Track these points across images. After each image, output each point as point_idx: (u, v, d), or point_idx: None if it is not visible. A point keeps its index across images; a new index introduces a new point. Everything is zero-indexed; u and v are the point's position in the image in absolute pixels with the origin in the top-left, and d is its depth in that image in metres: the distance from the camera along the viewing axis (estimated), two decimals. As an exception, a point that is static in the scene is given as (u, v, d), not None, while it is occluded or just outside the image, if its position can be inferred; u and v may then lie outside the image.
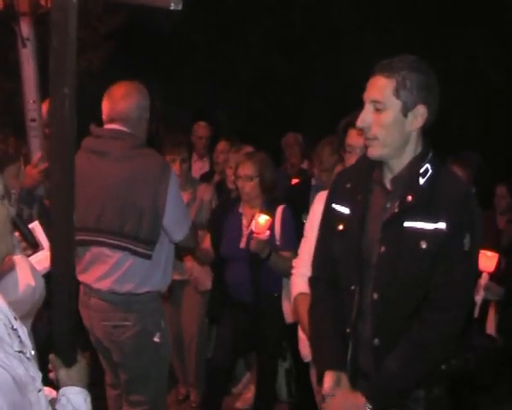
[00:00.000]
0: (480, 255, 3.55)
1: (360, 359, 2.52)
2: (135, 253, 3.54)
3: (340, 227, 2.55)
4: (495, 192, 5.88)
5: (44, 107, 4.41)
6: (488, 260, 3.76)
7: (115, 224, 3.53)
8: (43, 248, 3.05)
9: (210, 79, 11.21)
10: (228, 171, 5.30)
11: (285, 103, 11.76)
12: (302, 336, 3.34)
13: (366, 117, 2.43)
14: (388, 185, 2.49)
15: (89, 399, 1.99)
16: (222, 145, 6.35)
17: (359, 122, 2.46)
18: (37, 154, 4.34)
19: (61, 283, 2.00)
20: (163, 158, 3.95)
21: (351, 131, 3.13)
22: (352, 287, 2.49)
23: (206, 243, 4.75)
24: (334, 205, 2.62)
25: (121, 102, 3.63)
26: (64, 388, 1.99)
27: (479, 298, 3.70)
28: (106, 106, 3.69)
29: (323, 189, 4.30)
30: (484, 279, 3.74)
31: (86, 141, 3.68)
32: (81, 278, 3.65)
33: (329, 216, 2.65)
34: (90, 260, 3.65)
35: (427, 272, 2.39)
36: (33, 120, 4.33)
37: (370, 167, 2.54)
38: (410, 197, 2.39)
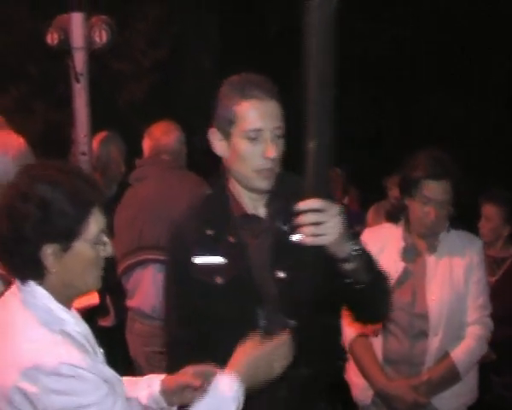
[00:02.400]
0: None
1: None
2: None
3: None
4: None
5: (95, 142, 4.57)
6: None
7: (154, 238, 3.67)
8: None
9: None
10: None
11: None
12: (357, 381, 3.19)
13: None
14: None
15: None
16: None
17: None
18: None
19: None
20: (198, 176, 4.10)
21: (428, 182, 2.96)
22: None
23: None
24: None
25: (164, 137, 3.91)
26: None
27: None
28: (148, 143, 3.96)
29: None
30: None
31: (132, 175, 3.92)
32: (128, 303, 3.78)
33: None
34: (134, 284, 3.78)
35: None
36: (84, 154, 4.43)
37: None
38: None
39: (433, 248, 3.06)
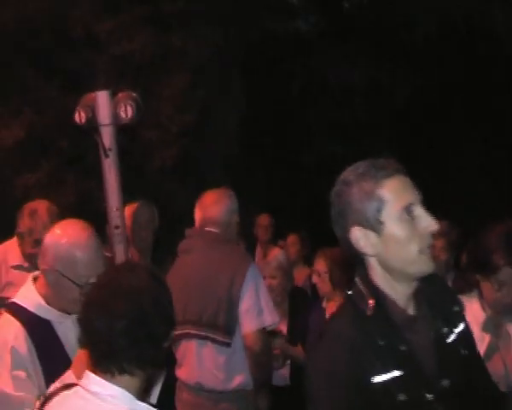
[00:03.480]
0: None
1: None
2: (213, 341, 3.67)
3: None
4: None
5: (127, 212, 4.64)
6: None
7: (196, 313, 3.71)
8: None
9: (277, 167, 11.47)
10: None
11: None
12: None
13: None
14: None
15: None
16: (291, 239, 6.66)
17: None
18: (121, 259, 4.44)
19: None
20: (244, 249, 4.14)
21: (507, 269, 2.78)
22: None
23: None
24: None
25: (212, 208, 3.99)
26: None
27: None
28: (198, 214, 4.03)
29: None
30: None
31: (180, 245, 3.99)
32: (176, 372, 3.82)
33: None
34: (182, 354, 3.82)
35: None
36: (117, 227, 4.48)
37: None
38: None
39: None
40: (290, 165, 11.67)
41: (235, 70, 10.20)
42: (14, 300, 2.77)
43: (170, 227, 4.88)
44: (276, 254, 5.36)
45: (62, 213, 7.85)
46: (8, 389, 2.52)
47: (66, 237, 2.70)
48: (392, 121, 11.92)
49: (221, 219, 3.96)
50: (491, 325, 2.88)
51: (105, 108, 4.35)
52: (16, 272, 4.31)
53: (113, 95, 4.46)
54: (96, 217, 5.88)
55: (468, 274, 2.96)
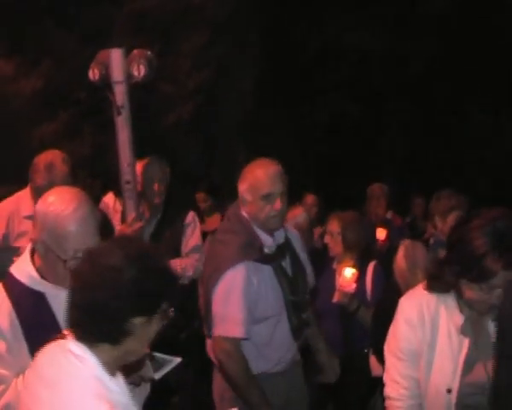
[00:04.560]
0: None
1: None
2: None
3: None
4: None
5: (139, 167, 4.72)
6: None
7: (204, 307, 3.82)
8: None
9: (289, 125, 11.52)
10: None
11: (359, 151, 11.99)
12: None
13: None
14: None
15: None
16: (310, 199, 6.74)
17: None
18: (131, 214, 4.48)
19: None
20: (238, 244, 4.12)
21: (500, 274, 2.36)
22: None
23: None
24: None
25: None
26: None
27: None
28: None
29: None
30: None
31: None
32: None
33: None
34: None
35: None
36: (128, 183, 4.47)
37: None
38: None
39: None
40: (303, 124, 11.71)
41: (252, 29, 10.20)
42: (10, 270, 2.63)
43: (182, 183, 4.95)
44: (296, 214, 5.32)
45: (77, 165, 8.01)
46: None
47: (54, 206, 2.50)
48: (406, 89, 11.89)
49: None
50: (470, 327, 2.55)
51: (118, 66, 4.36)
52: (29, 222, 4.25)
53: (129, 52, 4.46)
54: (109, 170, 5.99)
55: (446, 274, 2.49)
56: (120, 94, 4.38)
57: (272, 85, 10.90)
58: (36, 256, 2.58)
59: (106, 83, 4.39)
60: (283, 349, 3.57)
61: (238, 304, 3.37)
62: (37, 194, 4.24)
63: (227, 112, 10.11)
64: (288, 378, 3.63)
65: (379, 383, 4.00)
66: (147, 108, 8.32)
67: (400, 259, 4.07)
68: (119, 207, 5.33)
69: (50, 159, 4.26)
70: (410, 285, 3.90)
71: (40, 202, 2.57)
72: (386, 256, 4.80)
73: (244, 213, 3.48)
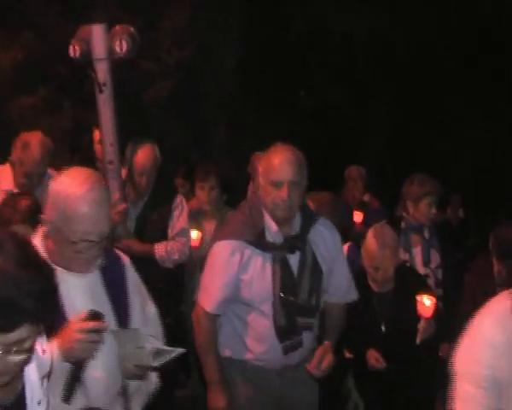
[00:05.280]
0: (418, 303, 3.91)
1: None
2: None
3: None
4: None
5: (132, 151, 4.72)
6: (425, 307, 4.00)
7: None
8: None
9: (277, 107, 11.52)
10: None
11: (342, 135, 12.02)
12: None
13: None
14: None
15: None
16: None
17: None
18: (115, 195, 4.41)
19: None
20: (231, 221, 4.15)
21: None
22: None
23: None
24: None
25: None
26: None
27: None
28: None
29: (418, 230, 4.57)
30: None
31: None
32: None
33: None
34: None
35: None
36: (111, 163, 4.47)
37: None
38: None
39: None
40: (286, 108, 11.71)
41: (235, 9, 10.17)
42: None
43: (163, 162, 4.92)
44: None
45: (56, 139, 7.97)
46: None
47: (66, 186, 2.44)
48: (391, 73, 11.92)
49: None
50: None
51: (100, 42, 4.30)
52: (8, 196, 4.34)
53: (111, 27, 4.41)
54: (89, 146, 5.97)
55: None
56: (102, 71, 4.33)
57: (255, 66, 10.88)
58: (48, 239, 2.53)
59: (87, 60, 4.35)
60: (265, 345, 3.43)
61: (216, 278, 3.37)
62: (12, 167, 4.34)
63: (208, 92, 10.08)
64: (283, 378, 3.52)
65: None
66: (128, 85, 8.30)
67: (370, 239, 4.19)
68: None
69: (29, 140, 4.32)
70: (379, 266, 4.06)
71: (54, 180, 2.53)
72: (362, 239, 4.84)
73: (260, 198, 3.41)
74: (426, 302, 4.04)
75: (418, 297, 4.00)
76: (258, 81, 10.97)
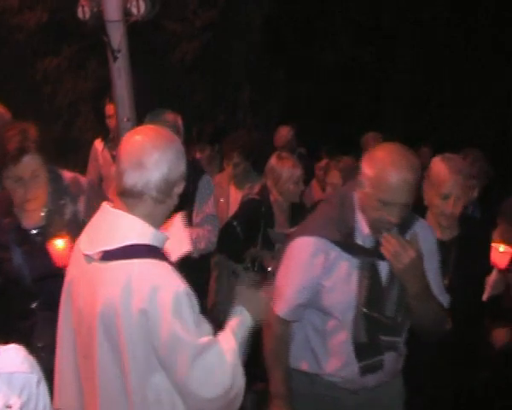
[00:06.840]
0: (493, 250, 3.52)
1: None
2: None
3: None
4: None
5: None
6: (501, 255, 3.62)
7: None
8: None
9: (299, 66, 11.38)
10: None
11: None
12: None
13: None
14: None
15: None
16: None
17: None
18: None
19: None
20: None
21: None
22: None
23: None
24: None
25: None
26: None
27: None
28: None
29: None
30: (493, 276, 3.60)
31: None
32: None
33: None
34: None
35: None
36: None
37: None
38: None
39: None
40: (311, 66, 11.58)
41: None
42: None
43: (186, 125, 4.75)
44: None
45: (80, 99, 7.94)
46: None
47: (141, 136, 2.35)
48: (417, 35, 11.70)
49: None
50: None
51: (113, 2, 3.76)
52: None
53: None
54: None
55: None
56: (116, 35, 3.77)
57: (280, 26, 10.75)
58: None
59: (98, 23, 3.85)
60: (339, 361, 3.02)
61: (292, 280, 2.99)
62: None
63: (234, 52, 9.98)
64: (358, 399, 3.10)
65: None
66: (152, 48, 8.22)
67: (437, 164, 3.57)
68: (106, 153, 5.31)
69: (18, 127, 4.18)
70: (451, 193, 3.44)
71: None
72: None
73: (356, 194, 2.93)
74: (502, 249, 3.60)
75: (493, 244, 3.57)
76: (283, 40, 10.85)
